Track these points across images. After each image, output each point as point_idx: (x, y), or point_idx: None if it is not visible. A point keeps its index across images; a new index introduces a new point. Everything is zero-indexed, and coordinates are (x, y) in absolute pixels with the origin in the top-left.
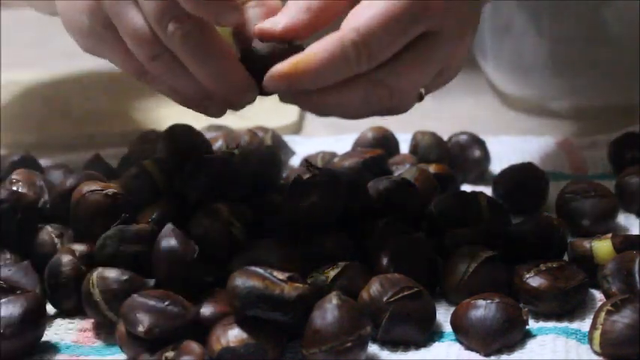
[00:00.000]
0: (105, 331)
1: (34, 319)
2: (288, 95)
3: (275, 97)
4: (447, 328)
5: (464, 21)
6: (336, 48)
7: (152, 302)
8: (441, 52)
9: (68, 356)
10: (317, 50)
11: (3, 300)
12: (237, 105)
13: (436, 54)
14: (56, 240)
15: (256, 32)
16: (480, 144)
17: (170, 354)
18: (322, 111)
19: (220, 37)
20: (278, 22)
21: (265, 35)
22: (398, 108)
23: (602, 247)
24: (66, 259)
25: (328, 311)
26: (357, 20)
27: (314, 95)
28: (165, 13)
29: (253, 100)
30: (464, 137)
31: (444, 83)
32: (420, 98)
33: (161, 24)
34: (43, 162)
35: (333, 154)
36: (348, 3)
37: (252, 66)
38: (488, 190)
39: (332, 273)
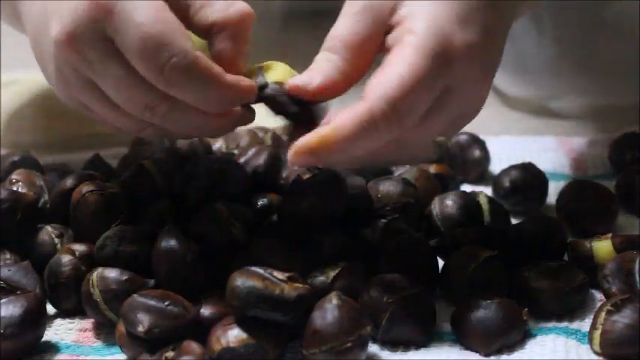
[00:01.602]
0: (105, 331)
1: (34, 319)
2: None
3: None
4: (447, 328)
5: (486, 69)
6: (366, 120)
7: (152, 302)
8: (462, 103)
9: (68, 356)
10: (346, 123)
11: (3, 300)
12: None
13: (457, 105)
14: (56, 240)
15: (290, 89)
16: (480, 144)
17: (170, 354)
18: (332, 165)
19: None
20: (311, 81)
21: (298, 93)
22: (411, 159)
23: (602, 247)
24: (66, 259)
25: (328, 311)
26: (383, 87)
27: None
28: (160, 53)
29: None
30: (464, 137)
31: (461, 127)
32: (442, 147)
33: (156, 67)
34: (43, 162)
35: None
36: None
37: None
38: (488, 190)
39: (332, 273)
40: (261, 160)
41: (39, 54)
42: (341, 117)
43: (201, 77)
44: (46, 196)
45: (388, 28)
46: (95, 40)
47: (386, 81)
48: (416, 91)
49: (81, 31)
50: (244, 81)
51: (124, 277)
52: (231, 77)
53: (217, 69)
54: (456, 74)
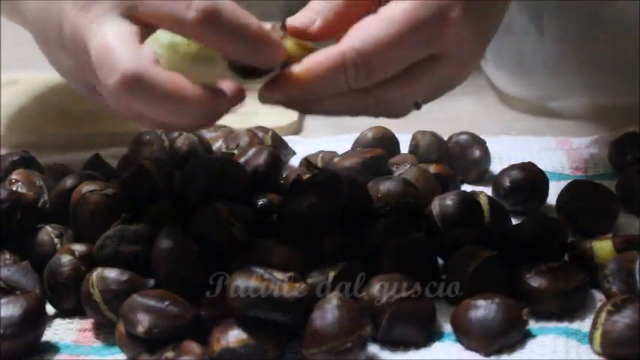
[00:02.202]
0: (105, 331)
1: (33, 320)
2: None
3: None
4: (447, 328)
5: (473, 50)
6: (336, 65)
7: (152, 302)
8: (440, 77)
9: (68, 356)
10: (315, 65)
11: (3, 300)
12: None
13: (435, 78)
14: (56, 240)
15: (290, 30)
16: (480, 144)
17: (170, 354)
18: (305, 111)
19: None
20: (313, 22)
21: (298, 34)
22: (388, 115)
23: (603, 247)
24: (65, 259)
25: (328, 311)
26: (360, 38)
27: (301, 102)
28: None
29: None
30: (464, 137)
31: (442, 94)
32: (417, 107)
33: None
34: (43, 162)
35: (333, 154)
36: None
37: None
38: (488, 190)
39: (332, 273)
40: (261, 160)
41: (49, 55)
42: (314, 57)
43: (227, 17)
44: (45, 196)
45: None
46: None
47: (365, 32)
48: (392, 50)
49: None
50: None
51: (124, 277)
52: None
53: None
54: (444, 45)
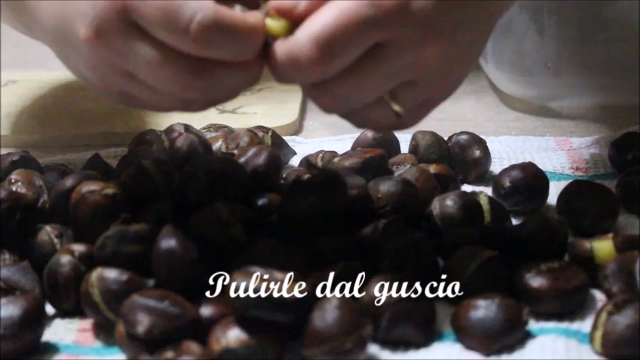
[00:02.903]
0: (104, 331)
1: (33, 320)
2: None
3: (275, 98)
4: (447, 328)
5: (424, 31)
6: (292, 57)
7: (152, 302)
8: (393, 65)
9: (68, 356)
10: (277, 52)
11: (3, 300)
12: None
13: (389, 69)
14: (55, 240)
15: (273, 9)
16: (480, 144)
17: (170, 354)
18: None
19: None
20: (298, 3)
21: (283, 14)
22: (360, 121)
23: (603, 247)
24: (65, 259)
25: (328, 311)
26: (308, 30)
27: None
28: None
29: None
30: (464, 137)
31: (427, 112)
32: (397, 115)
33: (182, 30)
34: (43, 162)
35: (333, 154)
36: None
37: None
38: (488, 190)
39: (332, 273)
40: (261, 160)
41: (66, 60)
42: (277, 45)
43: (229, 26)
44: (45, 196)
45: None
46: (121, 28)
47: (313, 23)
48: (344, 34)
49: (106, 23)
50: (255, 16)
51: (124, 278)
52: (250, 17)
53: (237, 13)
54: (385, 29)
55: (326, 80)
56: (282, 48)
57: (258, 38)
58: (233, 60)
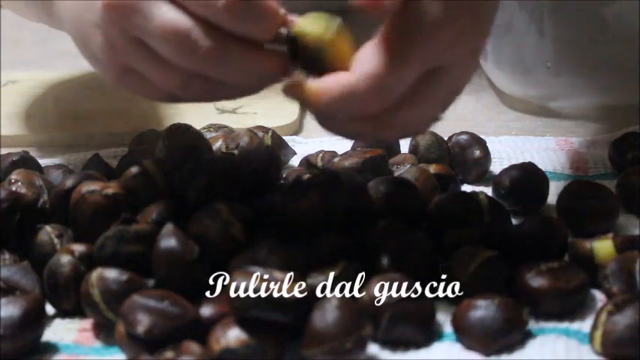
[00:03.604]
0: (104, 331)
1: (33, 320)
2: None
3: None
4: (447, 328)
5: (473, 48)
6: (348, 91)
7: (152, 302)
8: (448, 85)
9: (68, 356)
10: (323, 89)
11: (3, 300)
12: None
13: (441, 89)
14: (55, 240)
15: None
16: (480, 144)
17: (170, 354)
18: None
19: None
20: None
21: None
22: (405, 136)
23: (603, 247)
24: (65, 259)
25: (328, 311)
26: (363, 68)
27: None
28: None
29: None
30: (464, 137)
31: (453, 101)
32: (443, 147)
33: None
34: (43, 162)
35: (333, 154)
36: None
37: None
38: (488, 190)
39: (332, 273)
40: (261, 160)
41: (80, 35)
42: (329, 80)
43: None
44: (45, 196)
45: None
46: None
47: (367, 61)
48: (398, 72)
49: None
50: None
51: (124, 278)
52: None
53: None
54: (439, 57)
55: (383, 114)
56: (335, 83)
57: (277, 20)
58: (251, 36)
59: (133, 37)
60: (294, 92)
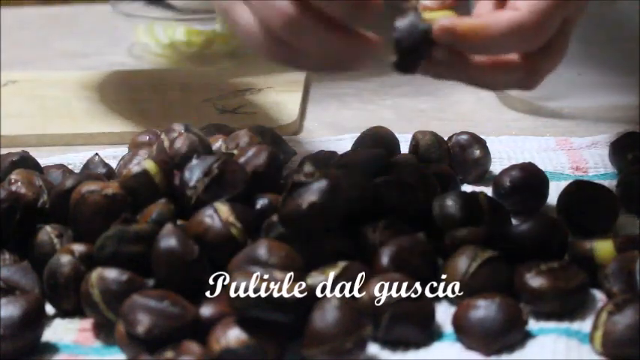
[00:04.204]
0: (104, 331)
1: (33, 320)
2: (444, 64)
3: (275, 98)
4: (447, 328)
5: (580, 9)
6: (516, 26)
7: (152, 302)
8: (569, 37)
9: (68, 356)
10: (498, 22)
11: (3, 300)
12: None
13: (568, 39)
14: (55, 240)
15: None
16: (480, 144)
17: (170, 354)
18: (469, 81)
19: None
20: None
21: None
22: (526, 88)
23: (603, 247)
24: (65, 259)
25: (328, 311)
26: (529, 2)
27: (470, 68)
28: None
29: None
30: (464, 137)
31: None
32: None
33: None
34: (43, 162)
35: (333, 154)
36: None
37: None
38: (488, 190)
39: (332, 273)
40: (261, 160)
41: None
42: (495, 15)
43: None
44: (45, 196)
45: None
46: None
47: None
48: (555, 13)
49: None
50: None
51: (124, 278)
52: None
53: None
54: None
55: (533, 57)
56: (503, 19)
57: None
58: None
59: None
60: (447, 33)
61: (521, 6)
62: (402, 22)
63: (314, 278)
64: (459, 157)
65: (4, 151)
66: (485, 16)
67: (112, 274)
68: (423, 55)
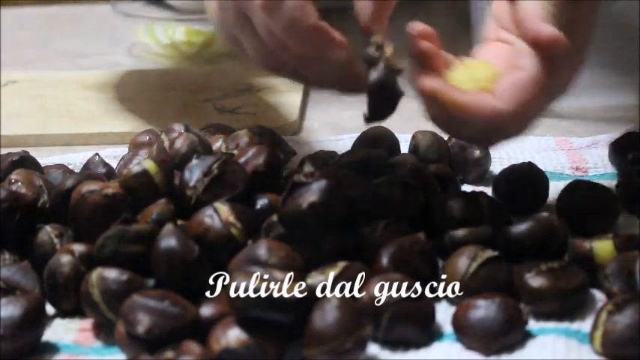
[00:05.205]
0: (105, 331)
1: (33, 320)
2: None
3: (275, 98)
4: (447, 328)
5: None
6: (492, 114)
7: (152, 302)
8: (563, 78)
9: (68, 356)
10: (473, 101)
11: (3, 300)
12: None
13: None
14: (55, 240)
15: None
16: None
17: (170, 354)
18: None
19: None
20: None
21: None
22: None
23: (603, 247)
24: (65, 259)
25: (328, 312)
26: (512, 91)
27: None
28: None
29: None
30: None
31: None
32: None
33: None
34: (43, 162)
35: (333, 154)
36: None
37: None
38: (488, 190)
39: (332, 273)
40: (261, 160)
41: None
42: (474, 100)
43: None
44: (45, 196)
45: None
46: None
47: (515, 83)
48: (536, 96)
49: None
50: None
51: (124, 277)
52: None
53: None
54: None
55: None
56: (479, 101)
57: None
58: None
59: (242, 12)
60: (430, 95)
61: (526, 66)
62: (372, 76)
63: (314, 278)
64: (459, 157)
65: (4, 151)
66: (473, 95)
67: (112, 274)
68: (393, 107)
